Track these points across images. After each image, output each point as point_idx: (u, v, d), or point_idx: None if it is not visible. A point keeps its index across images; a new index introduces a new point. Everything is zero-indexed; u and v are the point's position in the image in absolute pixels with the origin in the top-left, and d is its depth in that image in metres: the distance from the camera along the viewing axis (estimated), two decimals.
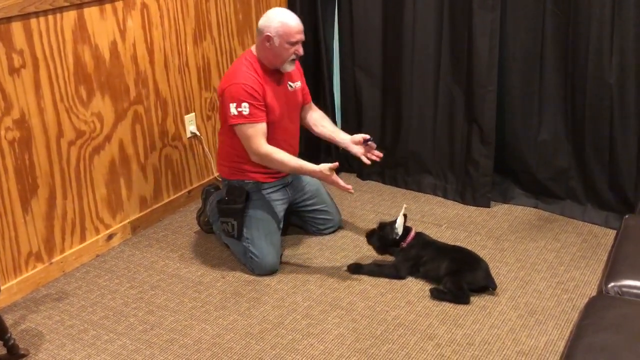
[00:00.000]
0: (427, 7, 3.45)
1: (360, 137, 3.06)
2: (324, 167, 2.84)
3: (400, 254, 2.88)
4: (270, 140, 2.91)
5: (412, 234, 2.89)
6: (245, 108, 2.80)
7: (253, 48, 2.96)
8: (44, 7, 2.72)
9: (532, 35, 3.24)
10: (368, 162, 3.07)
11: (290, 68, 2.94)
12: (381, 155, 3.09)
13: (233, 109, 2.81)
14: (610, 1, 2.96)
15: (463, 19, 3.35)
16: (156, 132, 3.37)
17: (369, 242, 2.95)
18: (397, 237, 2.85)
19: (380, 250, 2.95)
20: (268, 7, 3.84)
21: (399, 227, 2.83)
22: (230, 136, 2.95)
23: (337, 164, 2.85)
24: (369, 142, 3.05)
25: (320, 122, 3.23)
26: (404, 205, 2.94)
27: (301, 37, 2.88)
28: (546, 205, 3.44)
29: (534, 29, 3.23)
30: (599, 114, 3.14)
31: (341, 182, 2.87)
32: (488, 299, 2.72)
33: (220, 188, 3.32)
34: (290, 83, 3.04)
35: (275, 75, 2.96)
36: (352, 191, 2.90)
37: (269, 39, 2.84)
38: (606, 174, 3.21)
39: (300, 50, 2.90)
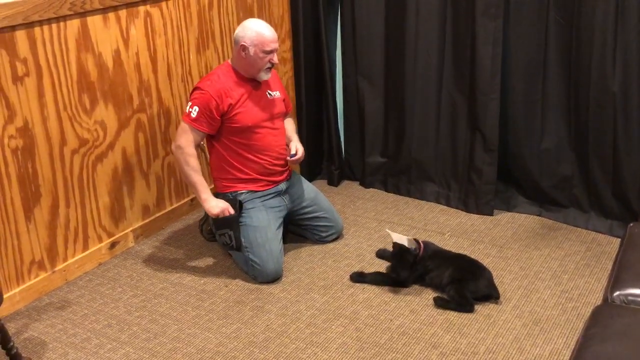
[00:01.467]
0: (430, 15, 3.46)
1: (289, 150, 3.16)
2: (219, 207, 2.96)
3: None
4: (253, 146, 3.02)
5: (422, 247, 2.85)
6: (194, 111, 2.93)
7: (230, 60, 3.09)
8: (47, 15, 2.73)
9: (535, 44, 3.25)
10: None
11: (266, 76, 3.03)
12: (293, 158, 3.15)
13: (188, 107, 2.97)
14: (614, 9, 2.96)
15: (466, 27, 3.36)
16: (159, 140, 3.37)
17: (393, 271, 2.89)
18: (416, 252, 2.82)
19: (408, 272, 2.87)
20: (271, 16, 3.85)
21: (412, 245, 2.80)
22: (215, 146, 3.06)
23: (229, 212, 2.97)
24: (289, 158, 3.14)
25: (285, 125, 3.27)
26: (387, 230, 2.98)
27: (275, 46, 2.98)
28: (550, 213, 3.43)
29: (537, 37, 3.23)
30: (603, 122, 3.13)
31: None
32: (492, 307, 2.71)
33: None
34: (269, 92, 3.11)
35: (252, 82, 3.04)
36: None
37: (244, 48, 2.95)
38: (610, 182, 3.21)
39: (275, 59, 2.99)
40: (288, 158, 3.14)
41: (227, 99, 2.95)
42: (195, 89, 3.00)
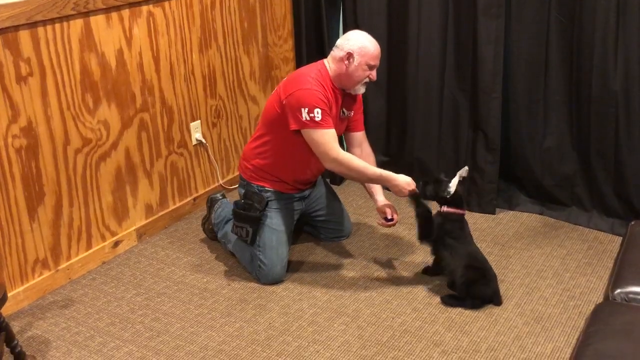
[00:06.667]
0: (432, 15, 3.47)
1: (383, 212, 3.01)
2: (407, 180, 2.78)
3: (435, 221, 2.79)
4: (308, 160, 2.90)
5: (460, 211, 2.78)
6: (317, 114, 2.72)
7: (326, 62, 2.91)
8: (51, 15, 2.74)
9: (536, 42, 3.25)
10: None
11: (361, 90, 2.95)
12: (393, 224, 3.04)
13: (305, 114, 2.72)
14: (615, 8, 2.97)
15: (468, 27, 3.36)
16: (162, 140, 3.38)
17: (419, 189, 2.78)
18: (448, 196, 2.73)
19: (423, 200, 2.80)
20: (273, 15, 3.86)
21: (452, 186, 2.72)
22: (269, 138, 2.93)
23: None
24: (388, 222, 3.01)
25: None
26: (465, 168, 2.78)
27: (378, 63, 2.89)
28: (551, 212, 3.44)
29: (539, 36, 3.24)
30: (604, 121, 3.14)
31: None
32: (494, 306, 2.71)
33: (225, 196, 3.34)
34: (344, 109, 3.00)
35: (339, 96, 2.93)
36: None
37: (350, 56, 2.83)
38: (611, 180, 3.21)
39: (374, 76, 2.90)
40: (382, 222, 3.01)
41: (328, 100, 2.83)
42: (297, 90, 2.76)
